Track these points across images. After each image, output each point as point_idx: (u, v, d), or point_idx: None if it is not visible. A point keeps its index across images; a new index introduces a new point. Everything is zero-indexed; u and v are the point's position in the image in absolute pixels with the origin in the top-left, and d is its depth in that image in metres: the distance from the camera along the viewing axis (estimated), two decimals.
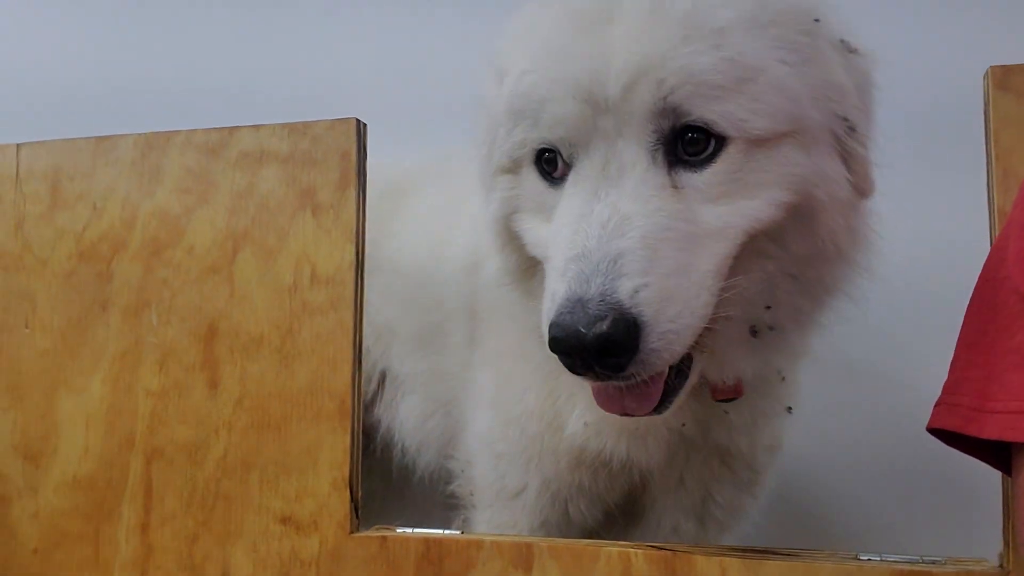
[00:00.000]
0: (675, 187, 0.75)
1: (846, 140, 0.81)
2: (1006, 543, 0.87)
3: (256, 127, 1.14)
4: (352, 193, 1.09)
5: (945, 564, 0.89)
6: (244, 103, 1.66)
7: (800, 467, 1.29)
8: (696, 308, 0.73)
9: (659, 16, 0.76)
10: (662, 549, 0.95)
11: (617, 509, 1.05)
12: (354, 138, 1.10)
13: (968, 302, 0.77)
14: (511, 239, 0.90)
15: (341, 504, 1.06)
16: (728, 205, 0.76)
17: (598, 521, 1.06)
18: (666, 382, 0.79)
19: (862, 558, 0.91)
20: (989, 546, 0.90)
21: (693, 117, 0.75)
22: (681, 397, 0.82)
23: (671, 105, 0.74)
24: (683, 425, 0.95)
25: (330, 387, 1.07)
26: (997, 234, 0.82)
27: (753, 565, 0.91)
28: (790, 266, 0.82)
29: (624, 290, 0.69)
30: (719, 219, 0.76)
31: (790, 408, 0.99)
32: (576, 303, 0.69)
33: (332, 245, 1.09)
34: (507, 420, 1.07)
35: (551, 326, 0.71)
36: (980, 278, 0.78)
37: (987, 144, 0.87)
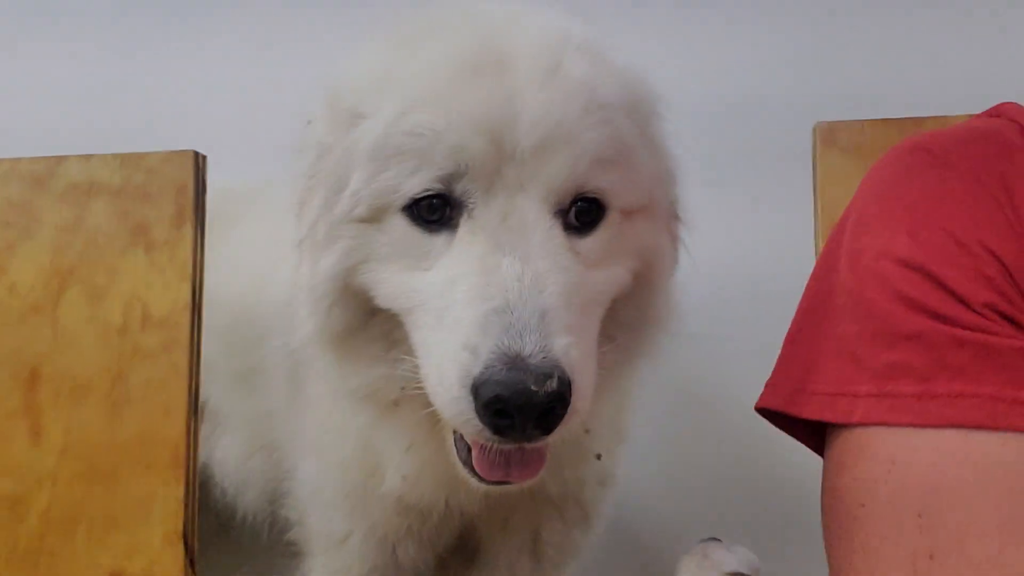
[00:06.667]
0: (574, 251, 0.76)
1: (672, 219, 0.88)
2: None
3: (86, 157, 1.07)
4: (189, 230, 1.04)
5: None
6: (71, 130, 1.54)
7: (635, 497, 1.29)
8: (595, 370, 0.73)
9: (559, 80, 0.75)
10: None
11: (448, 552, 1.03)
12: (191, 171, 1.04)
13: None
14: (348, 294, 0.83)
15: (175, 559, 1.00)
16: (604, 271, 0.78)
17: (429, 566, 1.04)
18: None
19: None
20: None
21: (590, 187, 0.76)
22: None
23: (577, 176, 0.75)
24: None
25: (163, 435, 1.02)
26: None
27: None
28: (613, 330, 0.83)
29: (559, 347, 0.67)
30: (597, 285, 0.78)
31: (599, 455, 0.98)
32: (515, 358, 0.65)
33: (166, 285, 1.03)
34: (328, 467, 1.04)
35: (484, 384, 0.65)
36: (806, 290, 0.78)
37: (815, 198, 0.89)
